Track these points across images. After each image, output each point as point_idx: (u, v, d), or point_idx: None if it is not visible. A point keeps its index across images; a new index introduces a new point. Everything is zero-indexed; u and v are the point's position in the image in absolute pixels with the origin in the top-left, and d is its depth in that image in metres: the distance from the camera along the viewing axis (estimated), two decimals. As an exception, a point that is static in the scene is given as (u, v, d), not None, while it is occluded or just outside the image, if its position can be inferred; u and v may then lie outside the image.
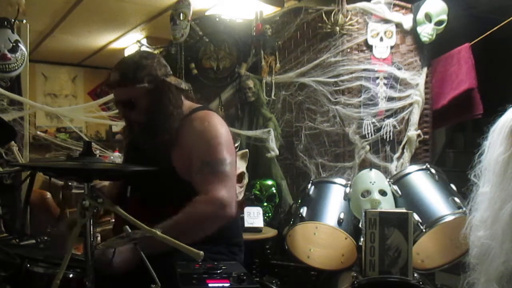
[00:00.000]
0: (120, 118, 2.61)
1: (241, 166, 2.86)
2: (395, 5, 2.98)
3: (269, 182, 2.97)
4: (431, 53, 2.95)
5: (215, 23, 3.27)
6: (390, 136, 2.90)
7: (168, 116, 1.63)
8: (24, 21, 2.76)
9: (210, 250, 1.52)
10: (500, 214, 1.50)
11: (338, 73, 2.99)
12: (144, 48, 3.90)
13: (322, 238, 2.42)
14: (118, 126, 4.70)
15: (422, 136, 2.89)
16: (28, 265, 1.35)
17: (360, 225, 2.19)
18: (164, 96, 1.63)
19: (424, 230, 2.11)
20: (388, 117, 2.92)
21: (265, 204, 2.92)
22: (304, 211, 2.36)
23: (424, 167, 2.44)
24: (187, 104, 1.74)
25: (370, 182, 2.35)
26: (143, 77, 1.59)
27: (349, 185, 2.52)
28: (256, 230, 2.66)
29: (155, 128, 1.63)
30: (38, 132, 3.87)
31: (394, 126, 2.90)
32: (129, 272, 1.40)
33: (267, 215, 2.89)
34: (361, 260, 2.09)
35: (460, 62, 2.84)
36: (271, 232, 2.71)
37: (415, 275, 2.02)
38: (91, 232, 1.20)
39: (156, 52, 3.29)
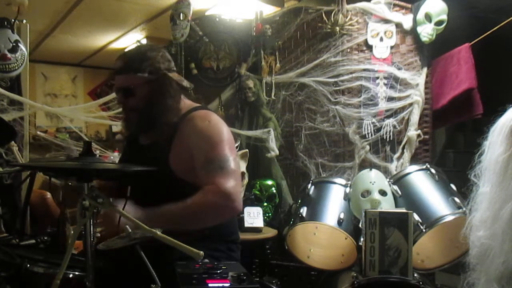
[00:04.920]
0: (120, 118, 2.62)
1: (241, 166, 2.87)
2: (395, 5, 2.98)
3: (269, 182, 2.97)
4: (431, 53, 2.96)
5: (215, 23, 3.27)
6: (390, 136, 2.90)
7: (166, 109, 1.65)
8: (24, 21, 2.76)
9: (208, 247, 1.52)
10: (500, 214, 1.49)
11: (338, 73, 2.99)
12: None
13: (322, 238, 2.42)
14: (118, 126, 4.70)
15: (422, 136, 2.89)
16: (28, 265, 1.35)
17: (360, 225, 2.19)
18: (164, 89, 1.66)
19: (424, 230, 2.11)
20: (388, 117, 2.92)
21: (265, 204, 2.92)
22: (304, 211, 2.36)
23: (424, 167, 2.44)
24: (187, 103, 1.75)
25: (370, 182, 2.35)
26: (146, 67, 1.63)
27: (349, 185, 2.52)
28: (256, 230, 2.66)
29: (151, 119, 1.65)
30: (38, 132, 3.87)
31: (394, 126, 2.90)
32: (129, 272, 1.40)
33: (267, 215, 2.89)
34: (361, 260, 2.09)
35: (460, 62, 2.84)
36: (271, 232, 2.71)
37: (415, 275, 2.02)
38: (91, 232, 1.20)
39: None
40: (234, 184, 1.54)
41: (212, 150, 1.58)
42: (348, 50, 3.01)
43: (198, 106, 1.75)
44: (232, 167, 1.57)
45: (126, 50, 1.78)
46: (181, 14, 3.14)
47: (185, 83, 1.73)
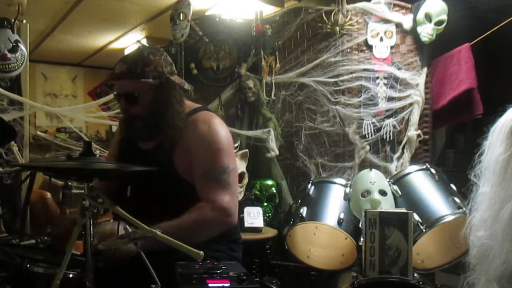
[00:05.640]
0: (120, 118, 2.61)
1: (241, 166, 2.87)
2: (395, 5, 2.98)
3: (269, 182, 2.97)
4: (431, 53, 2.95)
5: (215, 23, 3.26)
6: (390, 136, 2.90)
7: (173, 114, 1.63)
8: (24, 21, 2.76)
9: (209, 247, 1.53)
10: (500, 214, 1.50)
11: (338, 73, 2.99)
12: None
13: (322, 238, 2.42)
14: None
15: (422, 136, 2.89)
16: (28, 265, 1.35)
17: (360, 225, 2.19)
18: (169, 93, 1.64)
19: (424, 230, 2.11)
20: (388, 117, 2.92)
21: (265, 204, 2.92)
22: (304, 211, 2.36)
23: (424, 167, 2.44)
24: (187, 104, 1.74)
25: (370, 182, 2.35)
26: (149, 72, 1.60)
27: (349, 185, 2.52)
28: (256, 230, 2.66)
29: (158, 124, 1.63)
30: (38, 132, 3.87)
31: (394, 126, 2.90)
32: (129, 272, 1.40)
33: (267, 215, 2.89)
34: (361, 260, 2.08)
35: (460, 62, 2.84)
36: (271, 232, 2.71)
37: (415, 275, 2.02)
38: (91, 232, 1.20)
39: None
40: (229, 198, 1.56)
41: (211, 160, 1.59)
42: (348, 50, 3.01)
43: (199, 107, 1.74)
44: (229, 180, 1.58)
45: (126, 52, 1.75)
46: (181, 14, 3.14)
47: (186, 85, 1.71)
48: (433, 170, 2.39)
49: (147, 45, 4.36)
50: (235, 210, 1.59)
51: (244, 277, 1.20)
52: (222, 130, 1.66)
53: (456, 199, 2.18)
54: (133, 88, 1.61)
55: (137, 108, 1.64)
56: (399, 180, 2.43)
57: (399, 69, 2.93)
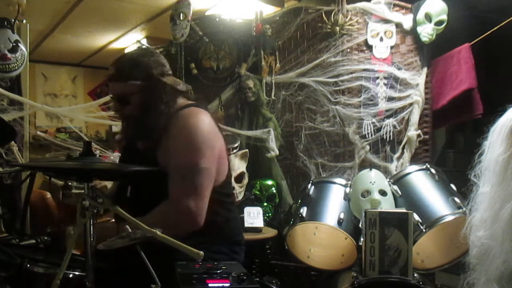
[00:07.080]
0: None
1: (241, 166, 2.87)
2: (395, 5, 2.98)
3: (269, 182, 2.97)
4: (431, 53, 2.95)
5: (215, 23, 3.26)
6: (390, 136, 2.90)
7: (159, 116, 1.61)
8: (24, 21, 2.76)
9: (211, 249, 1.52)
10: (500, 214, 1.50)
11: (338, 73, 2.99)
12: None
13: (322, 238, 2.42)
14: (118, 126, 4.69)
15: (422, 136, 2.89)
16: (28, 265, 1.36)
17: (360, 225, 2.19)
18: (157, 95, 1.62)
19: (424, 230, 2.11)
20: (388, 117, 2.92)
21: (265, 204, 2.92)
22: (304, 211, 2.36)
23: (424, 167, 2.44)
24: (179, 102, 1.70)
25: (370, 182, 2.35)
26: (137, 74, 1.60)
27: (349, 185, 2.52)
28: (256, 230, 2.66)
29: (145, 126, 1.62)
30: (38, 132, 3.86)
31: (394, 126, 2.90)
32: (129, 272, 1.40)
33: (267, 215, 2.89)
34: (361, 260, 2.09)
35: (460, 62, 2.84)
36: (271, 232, 2.71)
37: (415, 275, 2.02)
38: (91, 232, 1.20)
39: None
40: (196, 200, 1.51)
41: (182, 155, 1.55)
42: (348, 50, 3.01)
43: (189, 104, 1.70)
44: (198, 180, 1.53)
45: (121, 54, 1.75)
46: (181, 14, 3.14)
47: (181, 86, 1.69)
48: (433, 170, 2.39)
49: (147, 45, 4.37)
50: (201, 214, 1.52)
51: (244, 277, 1.20)
52: (203, 126, 1.59)
53: (456, 199, 2.18)
54: (121, 90, 1.62)
55: (127, 109, 1.64)
56: (399, 180, 2.43)
57: (399, 69, 2.93)
